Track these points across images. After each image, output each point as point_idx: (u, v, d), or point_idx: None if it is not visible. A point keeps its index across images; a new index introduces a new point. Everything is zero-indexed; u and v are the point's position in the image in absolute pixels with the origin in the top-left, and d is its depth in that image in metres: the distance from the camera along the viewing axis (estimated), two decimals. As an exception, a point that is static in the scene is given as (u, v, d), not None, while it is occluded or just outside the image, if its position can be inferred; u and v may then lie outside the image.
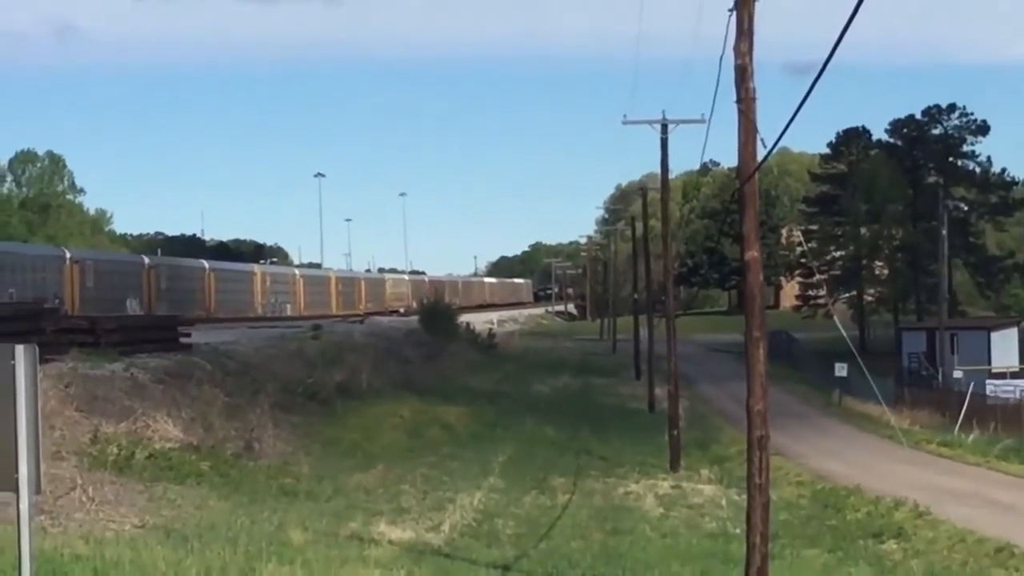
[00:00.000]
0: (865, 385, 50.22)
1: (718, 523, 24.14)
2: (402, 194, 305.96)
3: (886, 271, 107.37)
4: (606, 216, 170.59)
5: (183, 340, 34.95)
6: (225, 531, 17.32)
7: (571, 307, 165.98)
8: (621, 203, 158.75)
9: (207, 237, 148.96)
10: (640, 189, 76.09)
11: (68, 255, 54.21)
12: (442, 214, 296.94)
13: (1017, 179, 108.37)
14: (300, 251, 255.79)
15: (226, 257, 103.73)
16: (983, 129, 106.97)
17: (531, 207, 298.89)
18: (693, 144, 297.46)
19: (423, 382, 47.51)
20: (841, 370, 55.65)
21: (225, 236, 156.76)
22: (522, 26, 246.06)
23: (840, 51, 10.90)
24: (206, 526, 17.86)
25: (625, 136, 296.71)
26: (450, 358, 59.80)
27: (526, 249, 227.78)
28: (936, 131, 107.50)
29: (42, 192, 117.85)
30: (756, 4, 14.41)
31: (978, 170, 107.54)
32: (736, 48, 14.43)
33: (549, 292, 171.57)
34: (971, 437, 42.75)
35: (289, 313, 76.34)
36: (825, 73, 11.52)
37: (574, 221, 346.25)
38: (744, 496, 16.06)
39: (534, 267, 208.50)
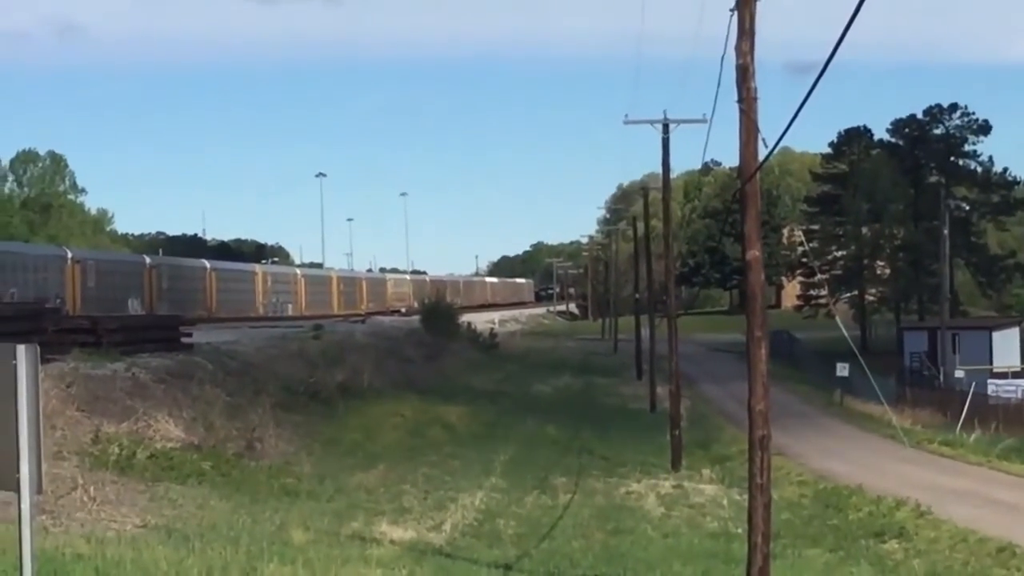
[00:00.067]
0: (866, 385, 50.19)
1: (720, 523, 24.13)
2: (403, 194, 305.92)
3: (887, 271, 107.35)
4: (607, 216, 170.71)
5: (184, 340, 34.96)
6: (226, 531, 17.31)
7: (572, 307, 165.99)
8: (622, 203, 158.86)
9: (208, 237, 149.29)
10: (641, 189, 76.02)
11: (69, 255, 54.24)
12: (443, 214, 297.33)
13: (1019, 179, 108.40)
14: (301, 251, 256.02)
15: (227, 257, 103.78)
16: (984, 129, 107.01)
17: (532, 207, 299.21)
18: (694, 144, 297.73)
19: (424, 382, 47.53)
20: (843, 370, 55.62)
21: (226, 236, 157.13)
22: (523, 26, 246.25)
23: (841, 51, 10.91)
24: (207, 526, 17.86)
25: (626, 136, 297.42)
26: (451, 358, 59.82)
27: (527, 249, 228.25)
28: (938, 131, 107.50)
29: (43, 192, 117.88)
30: (757, 4, 14.41)
31: (979, 170, 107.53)
32: (737, 48, 14.43)
33: (550, 292, 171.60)
34: (973, 437, 42.72)
35: (290, 313, 76.38)
36: (826, 73, 11.52)
37: (575, 221, 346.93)
38: (745, 496, 16.05)
39: (535, 267, 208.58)
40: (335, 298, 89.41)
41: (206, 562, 13.84)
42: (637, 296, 73.44)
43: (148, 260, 63.41)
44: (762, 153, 14.68)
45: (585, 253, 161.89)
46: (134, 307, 54.40)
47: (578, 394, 57.97)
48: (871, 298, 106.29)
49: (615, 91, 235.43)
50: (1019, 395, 57.10)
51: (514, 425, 40.39)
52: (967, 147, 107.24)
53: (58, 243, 75.50)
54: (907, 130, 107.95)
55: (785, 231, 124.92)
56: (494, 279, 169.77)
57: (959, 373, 63.96)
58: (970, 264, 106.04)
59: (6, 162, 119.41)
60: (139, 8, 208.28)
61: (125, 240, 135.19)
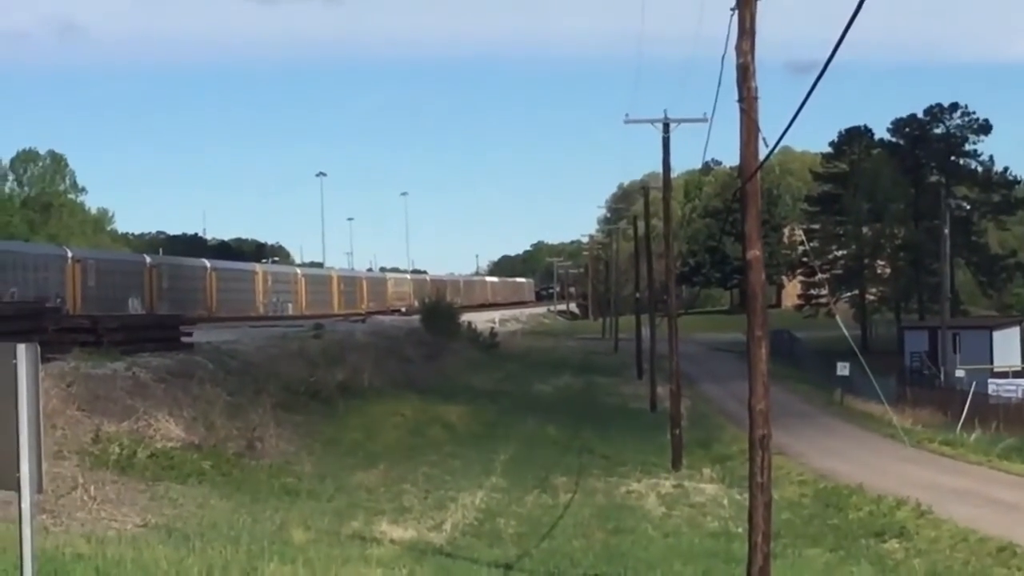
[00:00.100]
0: (867, 384, 50.20)
1: (720, 522, 24.13)
2: (404, 193, 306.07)
3: (888, 270, 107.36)
4: (608, 215, 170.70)
5: (185, 339, 34.97)
6: (227, 530, 17.31)
7: (573, 306, 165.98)
8: (623, 202, 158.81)
9: (209, 236, 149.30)
10: (642, 188, 76.01)
11: (70, 254, 54.25)
12: (444, 213, 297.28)
13: (1019, 178, 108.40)
14: (302, 250, 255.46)
15: (228, 256, 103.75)
16: (985, 128, 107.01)
17: (533, 206, 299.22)
18: (695, 143, 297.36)
19: (425, 381, 47.53)
20: (843, 369, 55.63)
21: (227, 235, 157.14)
22: (523, 25, 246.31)
23: (842, 50, 10.92)
24: (208, 525, 17.86)
25: (627, 135, 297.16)
26: (452, 357, 59.81)
27: (528, 248, 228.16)
28: (938, 130, 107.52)
29: (44, 191, 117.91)
30: (758, 3, 14.41)
31: (980, 169, 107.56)
32: (738, 47, 14.43)
33: (551, 291, 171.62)
34: (973, 436, 42.72)
35: (291, 312, 76.37)
36: (827, 72, 11.53)
37: (576, 220, 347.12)
38: (746, 495, 16.06)
39: (536, 266, 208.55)
40: (335, 297, 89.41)
41: (206, 561, 13.84)
42: (638, 295, 73.45)
43: (148, 259, 63.43)
44: (763, 152, 14.68)
45: (586, 252, 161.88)
46: (134, 306, 54.41)
47: (578, 393, 57.97)
48: (872, 297, 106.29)
49: (615, 91, 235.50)
50: (1019, 395, 57.08)
51: (514, 424, 40.38)
52: (968, 146, 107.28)
53: (58, 242, 75.51)
54: (908, 129, 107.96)
55: (786, 230, 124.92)
56: (494, 278, 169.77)
57: (959, 372, 63.97)
58: (971, 263, 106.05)
59: (6, 161, 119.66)
60: (139, 8, 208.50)
61: (125, 239, 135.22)
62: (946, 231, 74.23)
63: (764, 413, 14.54)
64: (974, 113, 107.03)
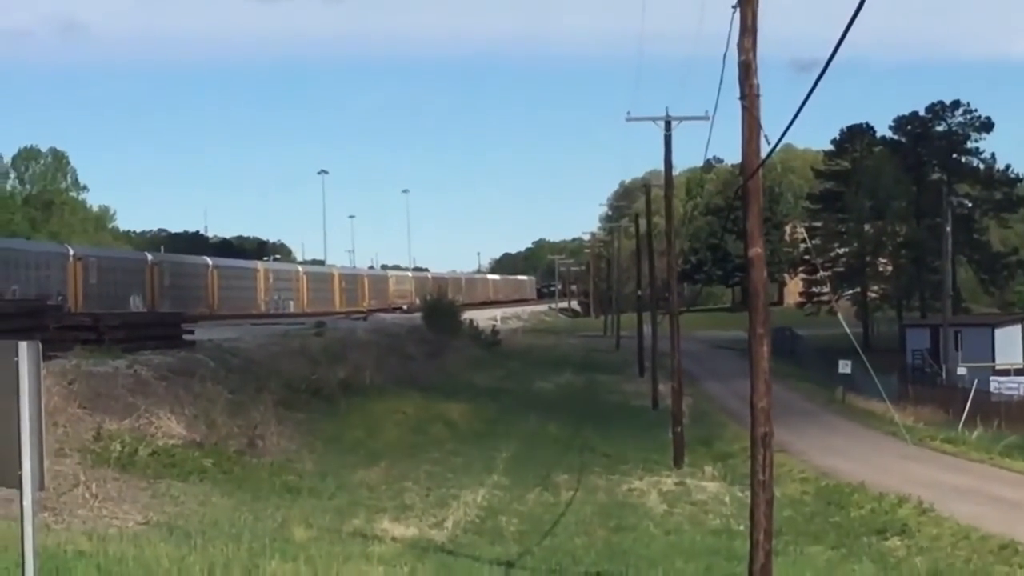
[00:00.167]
0: (869, 382, 50.17)
1: (722, 520, 24.12)
2: (405, 191, 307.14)
3: (890, 268, 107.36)
4: (610, 213, 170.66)
5: (186, 337, 34.98)
6: (228, 528, 17.31)
7: (574, 304, 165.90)
8: (625, 200, 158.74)
9: (210, 234, 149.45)
10: (644, 186, 76.04)
11: (71, 252, 54.29)
12: (445, 211, 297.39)
13: (1021, 175, 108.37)
14: (303, 248, 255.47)
15: (229, 254, 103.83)
16: (987, 126, 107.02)
17: (534, 204, 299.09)
18: (697, 141, 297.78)
19: (426, 379, 47.52)
20: (845, 367, 55.59)
21: (228, 233, 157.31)
22: (524, 24, 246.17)
23: (844, 48, 10.91)
24: (209, 523, 17.86)
25: (629, 133, 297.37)
26: (453, 355, 59.80)
27: (529, 246, 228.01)
28: (940, 128, 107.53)
29: (45, 189, 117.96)
30: (759, 1, 14.39)
31: (982, 167, 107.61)
32: (740, 45, 14.41)
33: (552, 289, 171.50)
34: (975, 434, 42.68)
35: (292, 310, 76.42)
36: (829, 70, 11.52)
37: (578, 218, 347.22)
38: (748, 493, 16.07)
39: (537, 264, 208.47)
40: (337, 295, 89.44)
41: (208, 559, 13.84)
42: (639, 293, 73.44)
43: (150, 257, 63.47)
44: (764, 150, 14.66)
45: (587, 250, 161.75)
46: (136, 304, 54.44)
47: (580, 391, 57.96)
48: (873, 295, 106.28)
49: (617, 88, 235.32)
50: (1021, 392, 57.10)
51: (516, 422, 40.38)
52: (969, 144, 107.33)
53: (60, 240, 75.55)
54: (909, 127, 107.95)
55: (787, 228, 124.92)
56: (496, 276, 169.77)
57: (961, 370, 63.91)
58: (972, 261, 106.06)
59: (8, 159, 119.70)
60: (140, 6, 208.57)
61: (127, 237, 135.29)
62: (948, 229, 74.18)
63: (766, 411, 14.53)
64: (976, 111, 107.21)
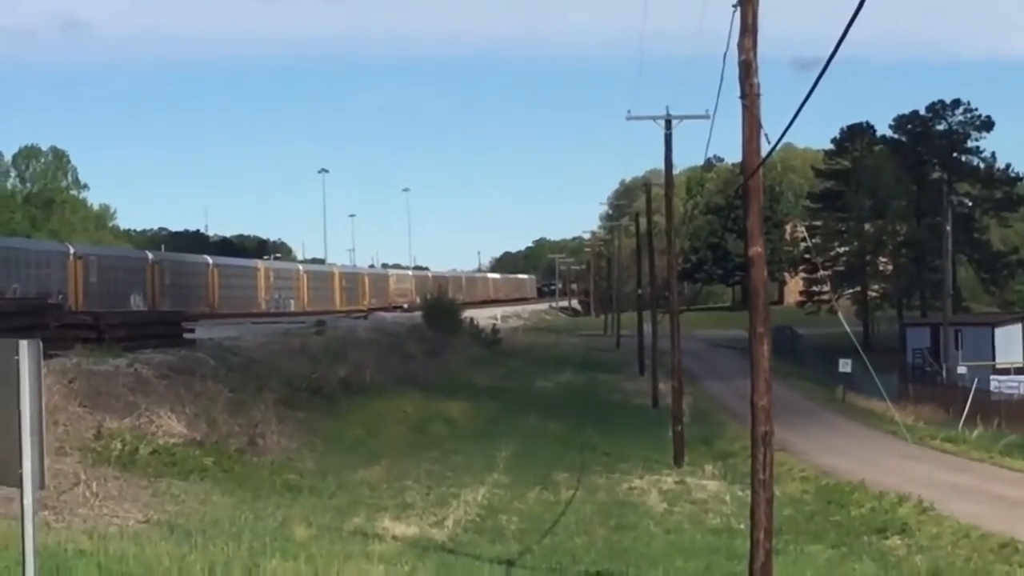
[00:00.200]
0: (869, 381, 50.16)
1: (722, 519, 24.13)
2: (406, 190, 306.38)
3: (890, 267, 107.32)
4: (610, 212, 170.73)
5: (187, 336, 34.99)
6: (229, 526, 17.32)
7: (575, 303, 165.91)
8: (625, 199, 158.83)
9: (211, 233, 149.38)
10: (644, 185, 76.07)
11: (72, 251, 54.27)
12: (446, 210, 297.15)
13: (1021, 175, 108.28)
14: (304, 247, 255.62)
15: (230, 253, 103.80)
16: (987, 125, 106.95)
17: (535, 203, 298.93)
18: (697, 140, 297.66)
19: (427, 378, 47.52)
20: (845, 366, 55.58)
21: (229, 232, 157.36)
22: (524, 22, 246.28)
23: (844, 47, 10.91)
24: (210, 521, 17.87)
25: (629, 132, 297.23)
26: (454, 354, 59.81)
27: (530, 245, 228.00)
28: (940, 127, 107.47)
29: (46, 187, 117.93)
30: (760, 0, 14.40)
31: (982, 166, 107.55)
32: (740, 44, 14.41)
33: (553, 288, 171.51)
34: (975, 433, 42.68)
35: (293, 309, 76.40)
36: (829, 69, 11.52)
37: (578, 217, 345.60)
38: (748, 492, 16.07)
39: (538, 263, 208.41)
40: (337, 294, 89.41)
41: (208, 558, 13.84)
42: (639, 292, 73.42)
43: (150, 256, 63.46)
44: (765, 149, 14.66)
45: (587, 249, 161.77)
46: (136, 303, 54.43)
47: (580, 390, 57.95)
48: (874, 294, 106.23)
49: (617, 88, 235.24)
50: (1021, 391, 57.08)
51: (516, 421, 40.38)
52: (970, 143, 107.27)
53: (60, 239, 75.51)
54: (910, 126, 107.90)
55: (788, 227, 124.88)
56: (496, 275, 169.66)
57: (961, 369, 63.91)
58: (973, 260, 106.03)
59: (9, 157, 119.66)
60: (142, 5, 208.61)
61: (127, 236, 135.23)
62: (948, 228, 74.17)
63: (766, 409, 14.54)
64: (976, 110, 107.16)
